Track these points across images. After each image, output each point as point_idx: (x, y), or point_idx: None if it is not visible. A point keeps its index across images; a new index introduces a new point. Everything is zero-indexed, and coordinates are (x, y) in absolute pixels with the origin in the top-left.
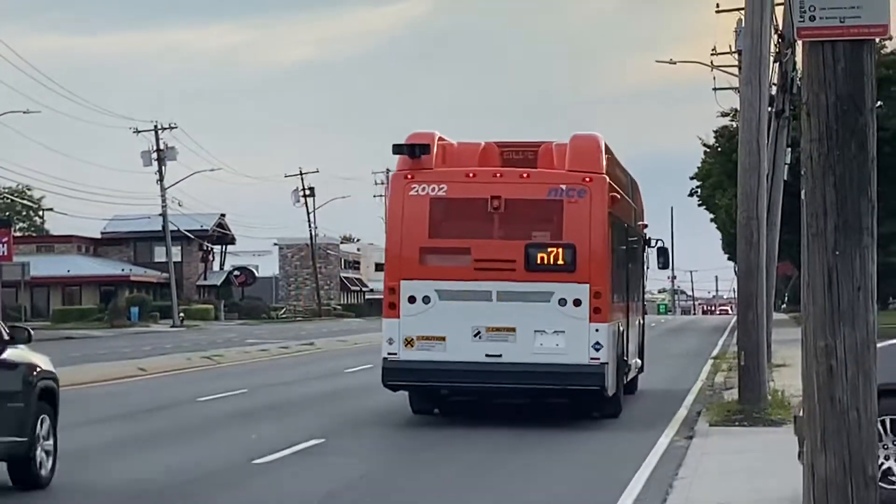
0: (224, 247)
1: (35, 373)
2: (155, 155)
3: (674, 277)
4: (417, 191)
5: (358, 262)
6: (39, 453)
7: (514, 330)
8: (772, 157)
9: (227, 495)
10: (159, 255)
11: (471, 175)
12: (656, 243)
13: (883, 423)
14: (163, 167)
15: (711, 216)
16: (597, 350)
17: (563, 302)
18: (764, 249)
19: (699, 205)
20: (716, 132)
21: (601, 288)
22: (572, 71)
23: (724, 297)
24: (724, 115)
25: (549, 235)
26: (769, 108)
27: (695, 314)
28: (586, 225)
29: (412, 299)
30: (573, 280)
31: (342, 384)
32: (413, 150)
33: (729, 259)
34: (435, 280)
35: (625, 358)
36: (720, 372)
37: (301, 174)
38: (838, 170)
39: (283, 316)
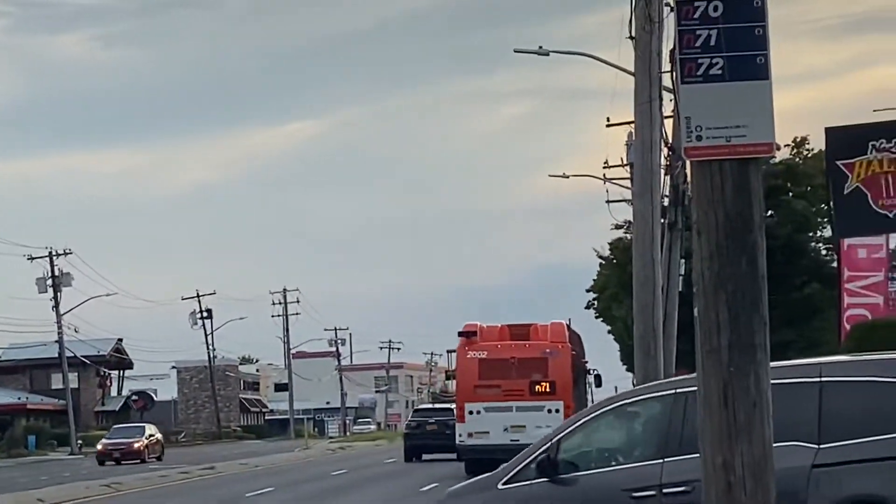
0: (122, 371)
1: None
2: (50, 281)
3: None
4: (472, 354)
5: (258, 383)
6: None
7: (524, 427)
8: (666, 269)
9: None
10: (56, 381)
11: (498, 346)
12: (593, 371)
13: None
14: (58, 293)
15: (609, 328)
16: None
17: (549, 410)
18: (661, 360)
19: (596, 317)
20: (610, 244)
21: (568, 402)
22: (467, 189)
23: None
24: (618, 227)
25: (541, 376)
26: (662, 221)
27: None
28: (560, 369)
29: (471, 412)
30: (554, 399)
31: None
32: (468, 334)
33: (627, 370)
34: (482, 401)
35: None
36: None
37: (198, 296)
38: (730, 287)
39: (183, 439)
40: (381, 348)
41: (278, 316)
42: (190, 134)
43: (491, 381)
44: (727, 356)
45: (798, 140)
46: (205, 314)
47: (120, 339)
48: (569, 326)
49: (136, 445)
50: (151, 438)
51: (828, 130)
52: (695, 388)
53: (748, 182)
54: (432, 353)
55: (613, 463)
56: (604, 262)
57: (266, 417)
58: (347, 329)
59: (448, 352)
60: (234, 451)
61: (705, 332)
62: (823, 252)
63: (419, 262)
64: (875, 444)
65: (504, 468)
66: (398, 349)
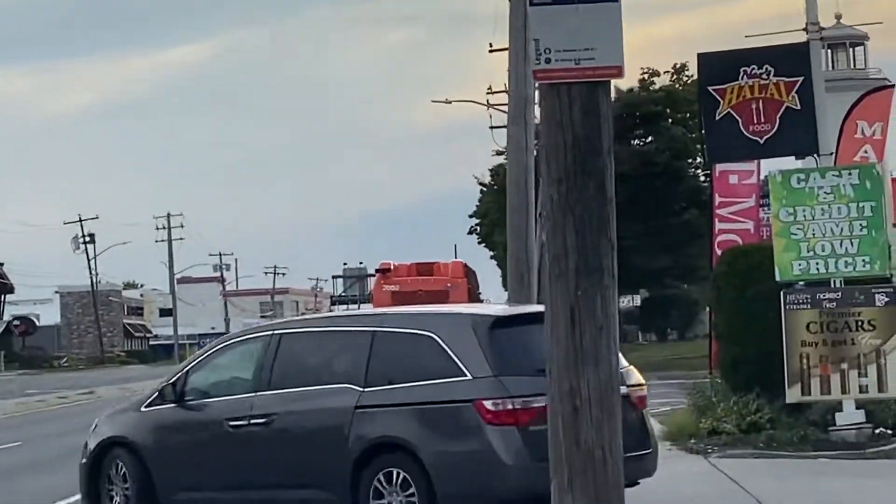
0: (3, 296)
1: None
2: None
3: None
4: (386, 288)
5: (141, 309)
6: None
7: None
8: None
9: None
10: None
11: (408, 280)
12: (486, 301)
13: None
14: None
15: (492, 253)
16: None
17: None
18: (535, 287)
19: (479, 242)
20: (491, 171)
21: None
22: (352, 115)
23: None
24: (499, 153)
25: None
26: (536, 147)
27: None
28: (458, 300)
29: None
30: None
31: None
32: (383, 271)
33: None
34: None
35: None
36: None
37: (80, 221)
38: (578, 211)
39: (66, 364)
40: (267, 274)
41: (162, 241)
42: (75, 56)
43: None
44: (574, 280)
45: (678, 67)
46: (87, 239)
47: (0, 264)
48: (465, 265)
49: None
50: None
51: (700, 56)
52: (288, 331)
53: (597, 106)
54: (318, 279)
55: (223, 394)
56: (485, 189)
57: (150, 343)
58: (233, 254)
59: (333, 277)
60: (117, 376)
61: (553, 257)
62: (702, 178)
63: (304, 188)
64: (400, 390)
65: (147, 394)
66: (283, 275)
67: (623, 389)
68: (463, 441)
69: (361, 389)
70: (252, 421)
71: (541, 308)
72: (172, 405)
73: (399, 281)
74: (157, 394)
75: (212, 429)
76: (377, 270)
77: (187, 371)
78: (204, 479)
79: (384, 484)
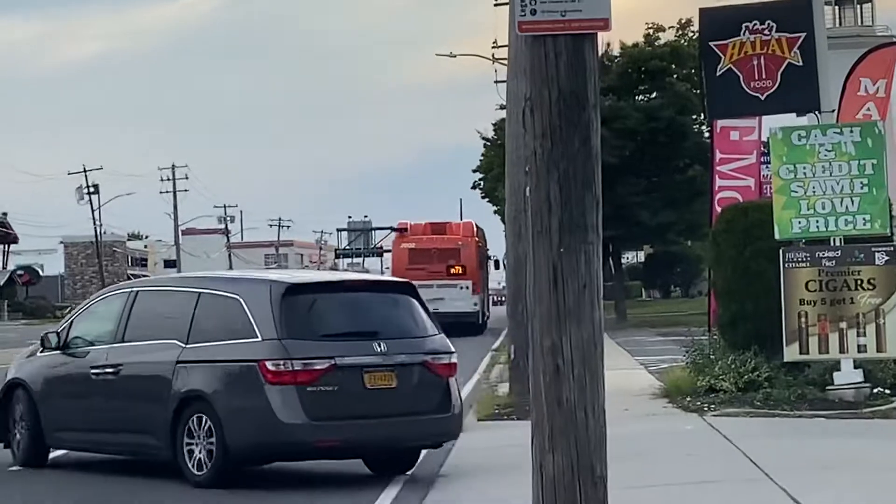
0: (7, 246)
1: None
2: None
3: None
4: (403, 245)
5: (146, 260)
6: None
7: (443, 299)
8: None
9: None
10: None
11: (423, 239)
12: (493, 258)
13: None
14: None
15: (495, 208)
16: (475, 305)
17: (461, 287)
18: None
19: (482, 197)
20: (495, 125)
21: (475, 281)
22: (357, 67)
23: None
24: (502, 107)
25: (455, 262)
26: None
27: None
28: (469, 257)
29: None
30: (464, 279)
31: None
32: (401, 230)
33: None
34: (410, 280)
35: (484, 309)
36: (497, 365)
37: (85, 171)
38: (562, 166)
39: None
40: (272, 226)
41: (167, 192)
42: (81, 6)
43: (418, 265)
44: (557, 237)
45: (683, 22)
46: (91, 189)
47: (4, 213)
48: (475, 224)
49: None
50: None
51: (701, 11)
52: (142, 288)
53: (583, 59)
54: (322, 232)
55: (91, 344)
56: (489, 143)
57: None
58: (237, 206)
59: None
60: None
61: (536, 212)
62: (706, 135)
63: (309, 140)
64: (210, 348)
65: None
66: (288, 227)
67: (424, 357)
68: (248, 398)
69: (183, 346)
70: (106, 370)
71: (336, 276)
72: (56, 352)
73: (415, 239)
74: (44, 341)
75: (80, 375)
76: (395, 229)
77: (70, 322)
78: (74, 421)
79: (195, 428)
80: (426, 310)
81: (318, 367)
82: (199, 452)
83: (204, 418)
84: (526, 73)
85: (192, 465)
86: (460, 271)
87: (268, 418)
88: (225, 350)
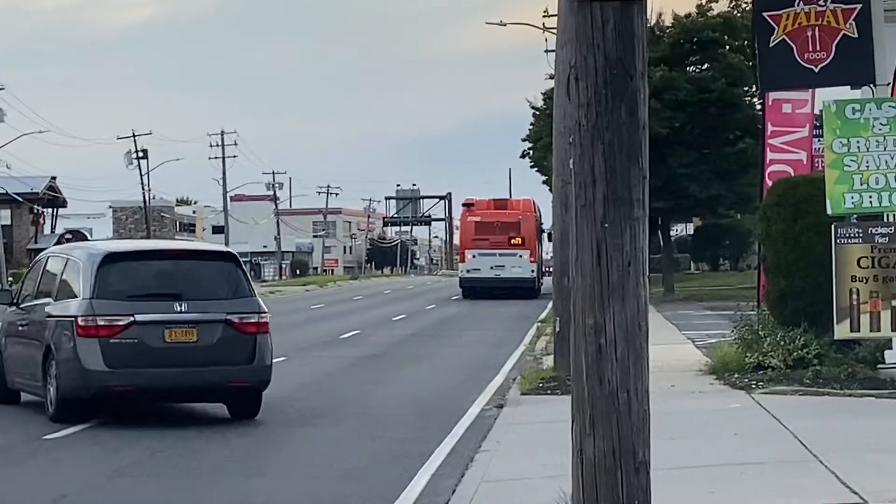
0: (56, 210)
1: None
2: None
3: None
4: (470, 219)
5: (194, 225)
6: None
7: (504, 266)
8: None
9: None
10: None
11: (488, 213)
12: (547, 230)
13: None
14: None
15: (543, 178)
16: (532, 272)
17: (520, 256)
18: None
19: (531, 167)
20: (544, 94)
21: (532, 251)
22: (405, 36)
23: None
24: (552, 77)
25: (515, 234)
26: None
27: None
28: (527, 230)
29: (468, 256)
30: (523, 249)
31: None
32: (468, 205)
33: None
34: (476, 249)
35: (539, 276)
36: (543, 337)
37: (134, 136)
38: (607, 137)
39: None
40: (320, 193)
41: (216, 158)
42: None
43: (482, 236)
44: (601, 211)
45: None
46: (140, 154)
47: (54, 178)
48: (533, 201)
49: None
50: None
51: None
52: (50, 254)
53: (631, 26)
54: (371, 199)
55: (25, 300)
56: (538, 113)
57: None
58: (286, 173)
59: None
60: None
61: (580, 185)
62: (758, 107)
63: (359, 108)
64: (62, 305)
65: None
66: (336, 195)
67: (228, 316)
68: (68, 348)
69: (53, 302)
70: (23, 323)
71: (153, 245)
72: (14, 307)
73: (481, 213)
74: (14, 300)
75: (18, 327)
76: (463, 204)
77: (21, 281)
78: (17, 367)
79: (49, 372)
80: (245, 275)
81: (119, 323)
82: (50, 392)
83: (52, 364)
84: (571, 40)
85: (49, 403)
86: (520, 242)
87: (76, 365)
88: (63, 307)
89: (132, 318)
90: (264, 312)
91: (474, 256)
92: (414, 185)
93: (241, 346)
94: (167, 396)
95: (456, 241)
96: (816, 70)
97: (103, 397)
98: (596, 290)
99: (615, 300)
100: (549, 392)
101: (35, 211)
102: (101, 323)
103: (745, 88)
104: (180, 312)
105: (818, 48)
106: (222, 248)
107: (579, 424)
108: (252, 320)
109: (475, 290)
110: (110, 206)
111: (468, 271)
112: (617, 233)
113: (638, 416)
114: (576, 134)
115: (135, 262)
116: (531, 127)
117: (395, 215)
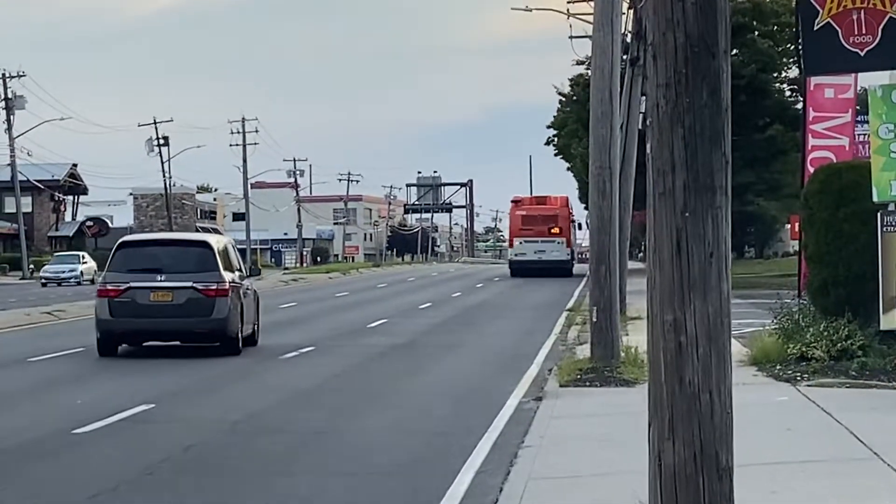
0: (76, 197)
1: None
2: (2, 104)
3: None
4: (517, 212)
5: (214, 212)
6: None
7: (545, 251)
8: (626, 106)
9: (32, 470)
10: (9, 205)
11: (532, 207)
12: (577, 222)
13: None
14: (11, 116)
15: (568, 165)
16: (567, 256)
17: (558, 242)
18: (617, 201)
19: (556, 154)
20: (571, 80)
21: (568, 239)
22: (427, 23)
23: (584, 244)
24: (579, 63)
25: (553, 225)
26: (623, 56)
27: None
28: (563, 221)
29: (516, 243)
30: (560, 237)
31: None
32: (516, 201)
33: (585, 208)
34: (522, 237)
35: (573, 259)
36: (574, 326)
37: (155, 123)
38: (688, 120)
39: None
40: (340, 180)
41: (237, 145)
42: None
43: (527, 226)
44: (682, 199)
45: None
46: (161, 141)
47: (75, 165)
48: (567, 198)
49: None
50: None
51: None
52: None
53: (713, 1)
54: (391, 187)
55: None
56: (564, 99)
57: None
58: (307, 160)
59: (407, 185)
60: None
61: (658, 172)
62: (788, 93)
63: (380, 96)
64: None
65: None
66: (357, 182)
67: (194, 284)
68: (96, 305)
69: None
70: None
71: (151, 237)
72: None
73: (525, 207)
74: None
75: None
76: (512, 201)
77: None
78: None
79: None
80: (214, 256)
81: (120, 288)
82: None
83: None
84: (649, 16)
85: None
86: (557, 231)
87: (98, 315)
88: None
89: (128, 284)
90: (223, 282)
91: (521, 243)
92: (435, 172)
93: (203, 304)
94: (151, 337)
95: (478, 228)
96: (862, 54)
97: (112, 338)
98: (675, 283)
99: (696, 294)
100: (587, 384)
101: (56, 198)
102: (110, 288)
103: (775, 74)
104: (161, 281)
105: (864, 31)
106: (199, 236)
107: (657, 428)
108: (212, 287)
109: (522, 269)
110: (131, 194)
111: (516, 255)
112: (698, 222)
113: (721, 420)
114: (654, 116)
115: (139, 248)
116: (556, 114)
117: (416, 202)
